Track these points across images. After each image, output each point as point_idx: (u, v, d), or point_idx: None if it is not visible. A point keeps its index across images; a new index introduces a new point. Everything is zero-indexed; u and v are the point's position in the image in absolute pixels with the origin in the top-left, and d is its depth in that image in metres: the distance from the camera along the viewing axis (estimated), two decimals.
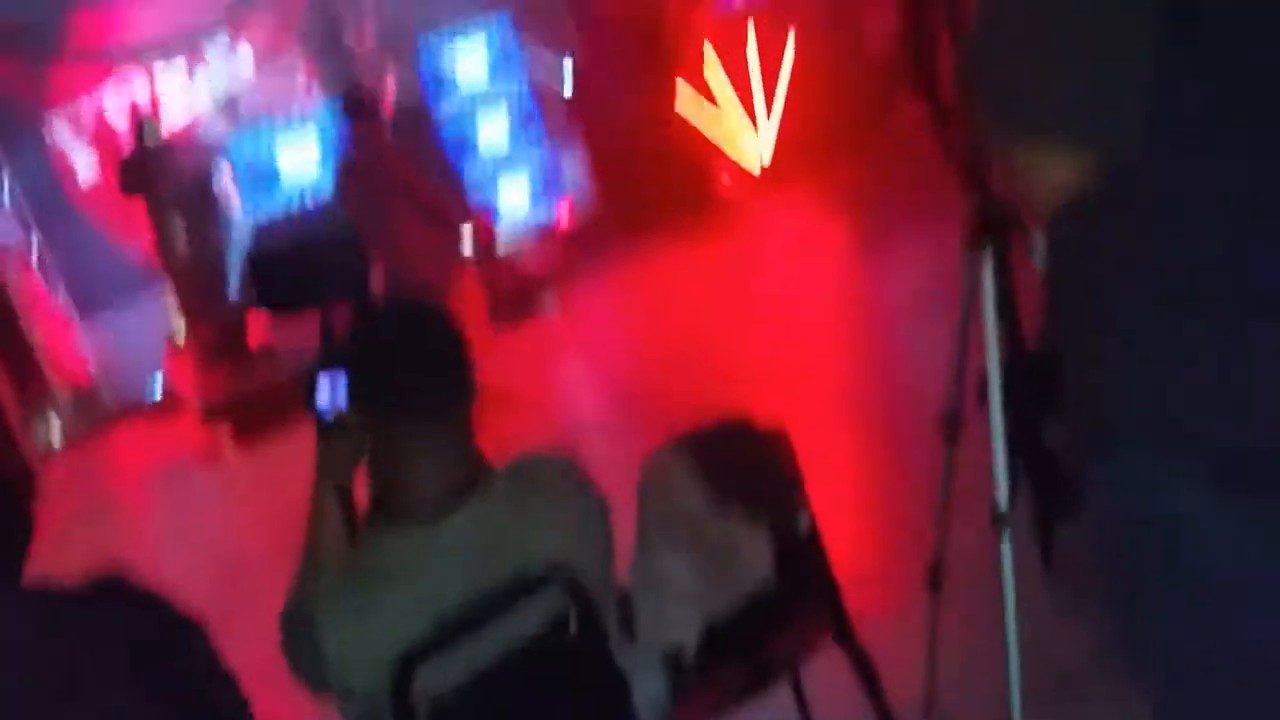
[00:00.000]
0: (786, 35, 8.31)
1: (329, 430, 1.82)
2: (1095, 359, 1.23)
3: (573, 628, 1.61)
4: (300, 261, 1.97)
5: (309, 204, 7.33)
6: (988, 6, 1.11)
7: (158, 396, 7.70)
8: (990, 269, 1.92)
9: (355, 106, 5.60)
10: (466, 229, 7.11)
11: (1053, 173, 1.09)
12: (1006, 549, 1.74)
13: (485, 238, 7.25)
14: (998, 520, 1.82)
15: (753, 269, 6.95)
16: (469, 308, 5.76)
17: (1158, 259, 1.12)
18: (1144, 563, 1.23)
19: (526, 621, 1.59)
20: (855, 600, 2.16)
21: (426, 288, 5.53)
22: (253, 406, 6.09)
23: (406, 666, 1.50)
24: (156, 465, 6.82)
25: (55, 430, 7.60)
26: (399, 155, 5.86)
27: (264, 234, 2.07)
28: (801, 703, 2.55)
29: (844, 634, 2.02)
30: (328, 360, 1.85)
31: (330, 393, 1.84)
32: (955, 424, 2.18)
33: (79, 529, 6.03)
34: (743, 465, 1.84)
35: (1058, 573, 2.76)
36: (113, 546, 5.59)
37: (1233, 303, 1.09)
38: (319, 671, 1.57)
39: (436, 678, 1.53)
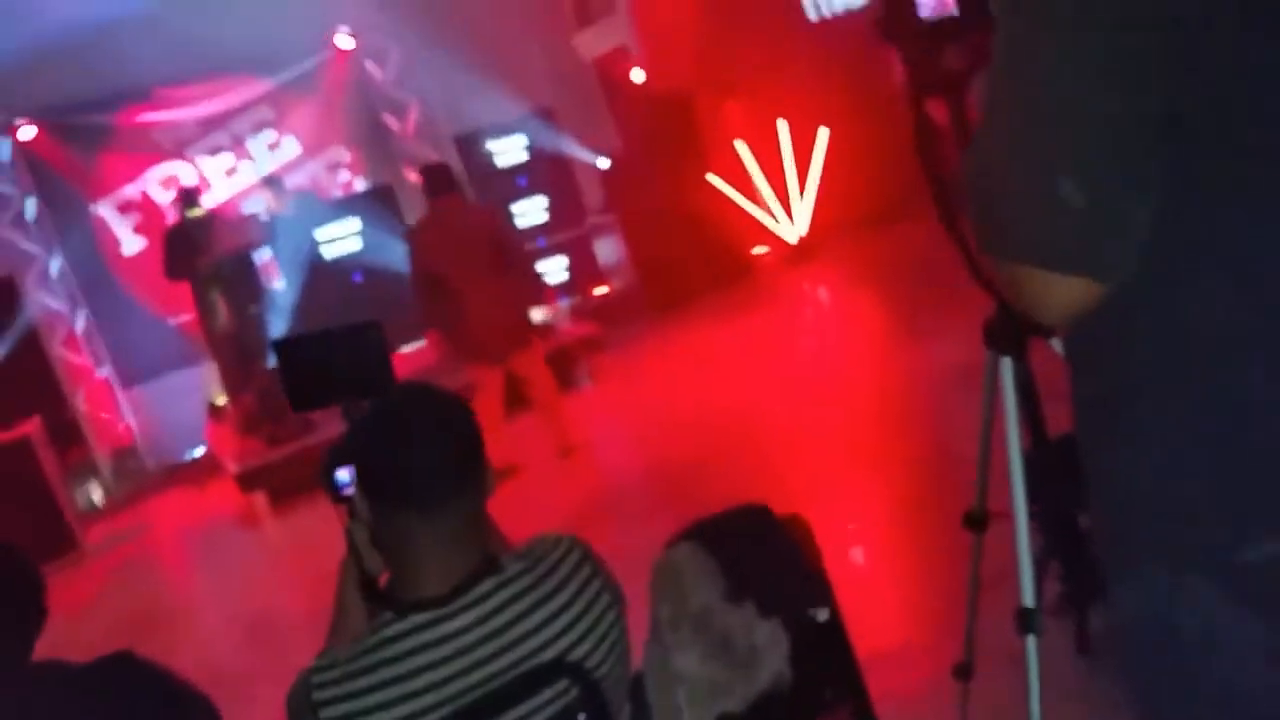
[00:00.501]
0: (817, 129, 8.53)
1: (350, 514, 1.87)
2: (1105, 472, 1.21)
3: (582, 717, 1.59)
4: (324, 363, 2.01)
5: (348, 282, 7.49)
6: (983, 128, 1.10)
7: (197, 461, 7.82)
8: (1009, 368, 1.91)
9: (442, 175, 5.71)
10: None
11: (1048, 294, 1.06)
12: (1032, 644, 1.71)
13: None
14: (1021, 616, 1.78)
15: (786, 343, 6.97)
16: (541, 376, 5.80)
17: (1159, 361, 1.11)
18: (1156, 669, 1.20)
19: (535, 713, 1.57)
20: (885, 681, 2.13)
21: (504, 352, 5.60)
22: (290, 473, 6.15)
23: None
24: (194, 528, 6.89)
25: (97, 495, 7.70)
26: (492, 222, 5.93)
27: (288, 340, 2.13)
28: None
29: None
30: (344, 450, 1.89)
31: (348, 479, 1.88)
32: (981, 516, 2.17)
33: (116, 589, 6.11)
34: (758, 556, 1.82)
35: (1094, 660, 2.71)
36: (148, 606, 5.65)
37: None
38: None
39: None
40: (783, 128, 8.65)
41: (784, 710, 1.80)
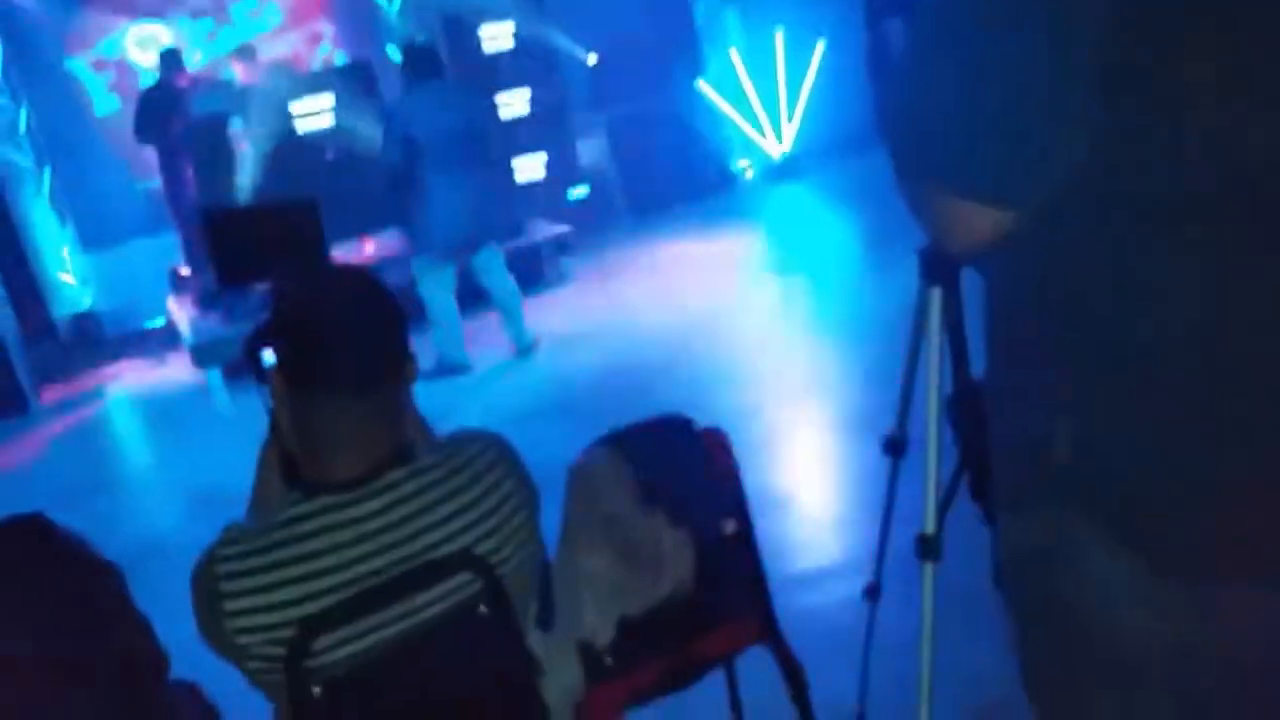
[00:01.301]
0: (816, 44, 8.37)
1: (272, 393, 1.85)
2: (1012, 403, 1.22)
3: (483, 609, 1.60)
4: (255, 237, 1.97)
5: (319, 160, 7.34)
6: (911, 53, 1.08)
7: (157, 331, 7.76)
8: (937, 299, 1.91)
9: (427, 57, 5.57)
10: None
11: (965, 222, 1.06)
12: (929, 570, 1.74)
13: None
14: (921, 542, 1.82)
15: (757, 259, 6.95)
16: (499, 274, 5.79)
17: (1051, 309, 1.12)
18: (1033, 599, 1.23)
19: (434, 602, 1.58)
20: (797, 599, 2.17)
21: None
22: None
23: (303, 638, 1.50)
24: (149, 399, 6.87)
25: (54, 358, 7.65)
26: (473, 110, 5.82)
27: (219, 209, 2.09)
28: (735, 700, 2.56)
29: (770, 635, 2.01)
30: (267, 328, 1.87)
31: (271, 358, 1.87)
32: (899, 444, 2.20)
33: (65, 454, 6.12)
34: (673, 465, 1.82)
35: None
36: (96, 472, 5.66)
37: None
38: (219, 634, 1.56)
39: (334, 651, 1.53)
40: (779, 37, 8.48)
41: (683, 617, 1.83)
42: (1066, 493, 1.15)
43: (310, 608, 1.51)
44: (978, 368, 2.04)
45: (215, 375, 6.13)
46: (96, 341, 7.88)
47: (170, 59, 7.67)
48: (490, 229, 5.71)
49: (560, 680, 1.80)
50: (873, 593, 2.35)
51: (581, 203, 8.58)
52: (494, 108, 8.26)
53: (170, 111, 7.37)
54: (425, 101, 5.45)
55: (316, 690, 1.51)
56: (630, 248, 7.74)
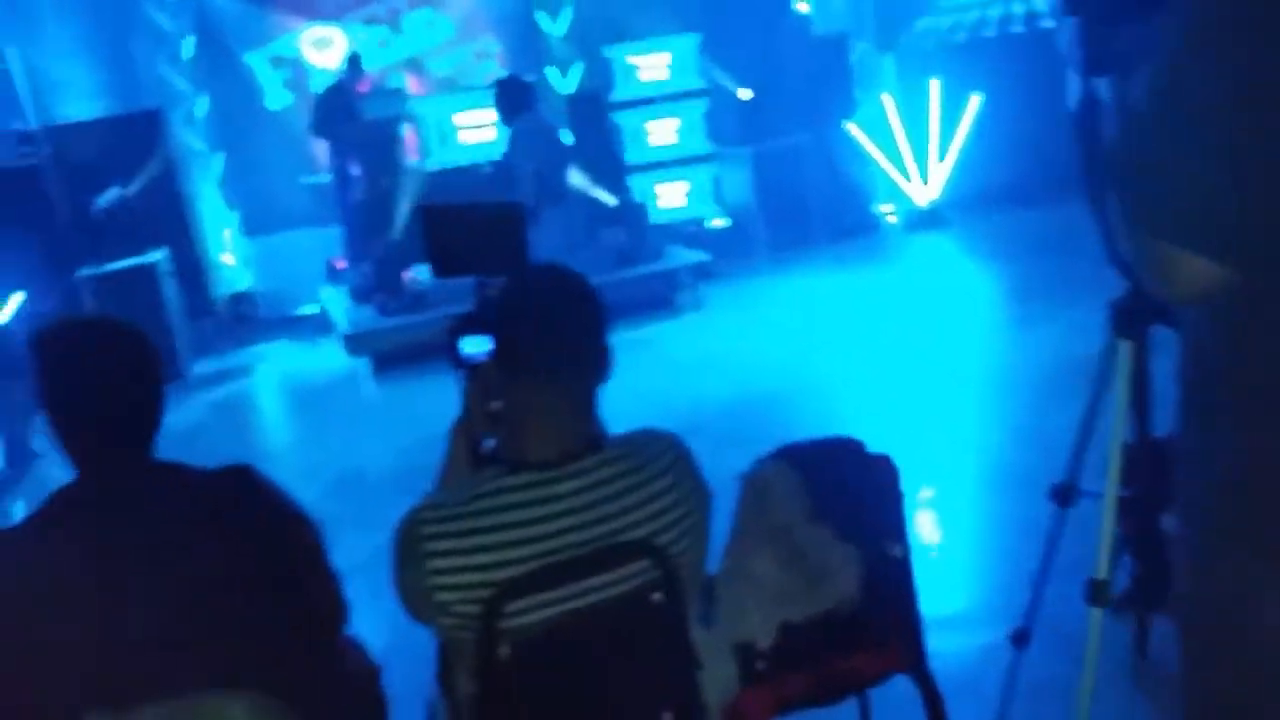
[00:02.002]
0: (970, 97, 8.35)
1: (468, 381, 2.01)
2: (1205, 459, 1.27)
3: (657, 599, 1.70)
4: (469, 235, 2.13)
5: (484, 168, 7.63)
6: (1147, 112, 1.17)
7: (309, 319, 8.13)
8: (1128, 355, 1.95)
9: (517, 93, 5.86)
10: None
11: (1177, 271, 1.14)
12: (1096, 615, 1.76)
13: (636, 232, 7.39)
14: (1093, 589, 1.83)
15: (899, 303, 6.93)
16: None
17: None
18: (1227, 669, 1.27)
19: (614, 584, 1.69)
20: (941, 639, 2.20)
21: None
22: (395, 343, 6.39)
23: (500, 599, 1.61)
24: (297, 381, 7.19)
25: (211, 332, 8.07)
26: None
27: (435, 206, 2.27)
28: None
29: (917, 666, 2.06)
30: (475, 320, 2.04)
31: (474, 348, 2.03)
32: (1069, 493, 2.22)
33: (213, 424, 6.44)
34: (845, 484, 1.89)
35: (1149, 665, 2.74)
36: (241, 443, 5.95)
37: None
38: (420, 590, 1.69)
39: (524, 616, 1.64)
40: (935, 87, 8.49)
41: (840, 633, 1.89)
42: (1258, 545, 1.20)
43: (507, 572, 1.63)
44: (1159, 423, 2.08)
45: (365, 364, 6.41)
46: (251, 321, 8.29)
47: (355, 63, 8.08)
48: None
49: (716, 677, 1.87)
50: (1021, 638, 2.37)
51: (722, 233, 8.70)
52: (645, 134, 8.46)
53: (346, 112, 7.74)
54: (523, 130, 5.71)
55: (504, 650, 1.63)
56: (768, 280, 7.81)
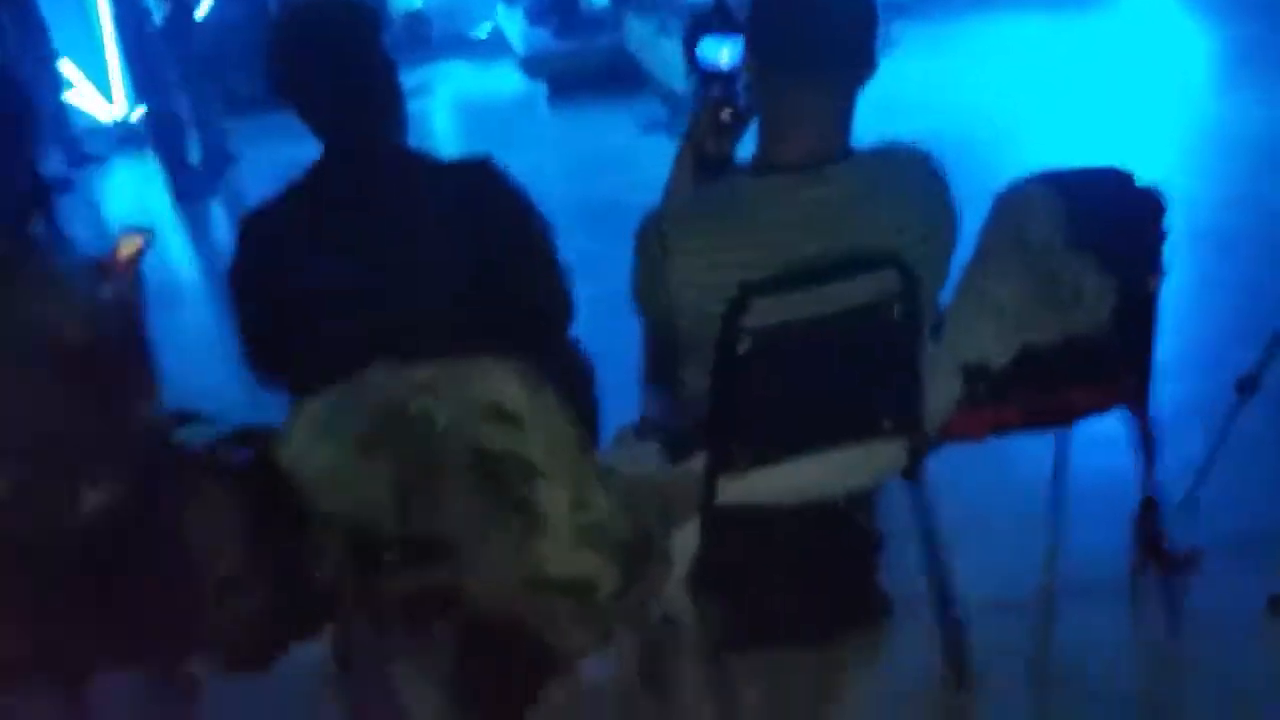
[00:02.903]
0: None
1: (701, 88, 1.96)
2: None
3: (896, 311, 1.68)
4: None
5: None
6: None
7: (483, 41, 8.03)
8: None
9: None
10: None
11: None
12: None
13: None
14: None
15: None
16: None
17: None
18: None
19: (857, 292, 1.67)
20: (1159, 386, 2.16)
21: None
22: (571, 66, 6.30)
23: (746, 297, 1.62)
24: (472, 102, 7.19)
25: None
26: None
27: None
28: (1060, 466, 2.60)
29: (1141, 401, 2.03)
30: (716, 19, 1.95)
31: (712, 52, 1.96)
32: None
33: None
34: (1110, 214, 1.81)
35: None
36: None
37: None
38: (661, 289, 1.70)
39: (765, 316, 1.65)
40: None
41: (1081, 360, 1.86)
42: None
43: (752, 273, 1.63)
44: None
45: (541, 88, 6.36)
46: (424, 40, 8.24)
47: None
48: None
49: (938, 394, 1.88)
50: (1247, 385, 2.30)
51: None
52: None
53: None
54: None
55: (744, 347, 1.65)
56: (969, 20, 7.29)
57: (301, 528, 1.66)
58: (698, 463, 1.83)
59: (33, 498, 1.50)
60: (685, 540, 1.81)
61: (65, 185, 5.64)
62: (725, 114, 1.96)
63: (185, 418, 1.93)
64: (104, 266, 2.00)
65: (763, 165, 1.68)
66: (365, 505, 1.56)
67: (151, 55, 5.67)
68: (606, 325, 2.34)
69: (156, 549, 1.64)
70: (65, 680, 1.74)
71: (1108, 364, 1.94)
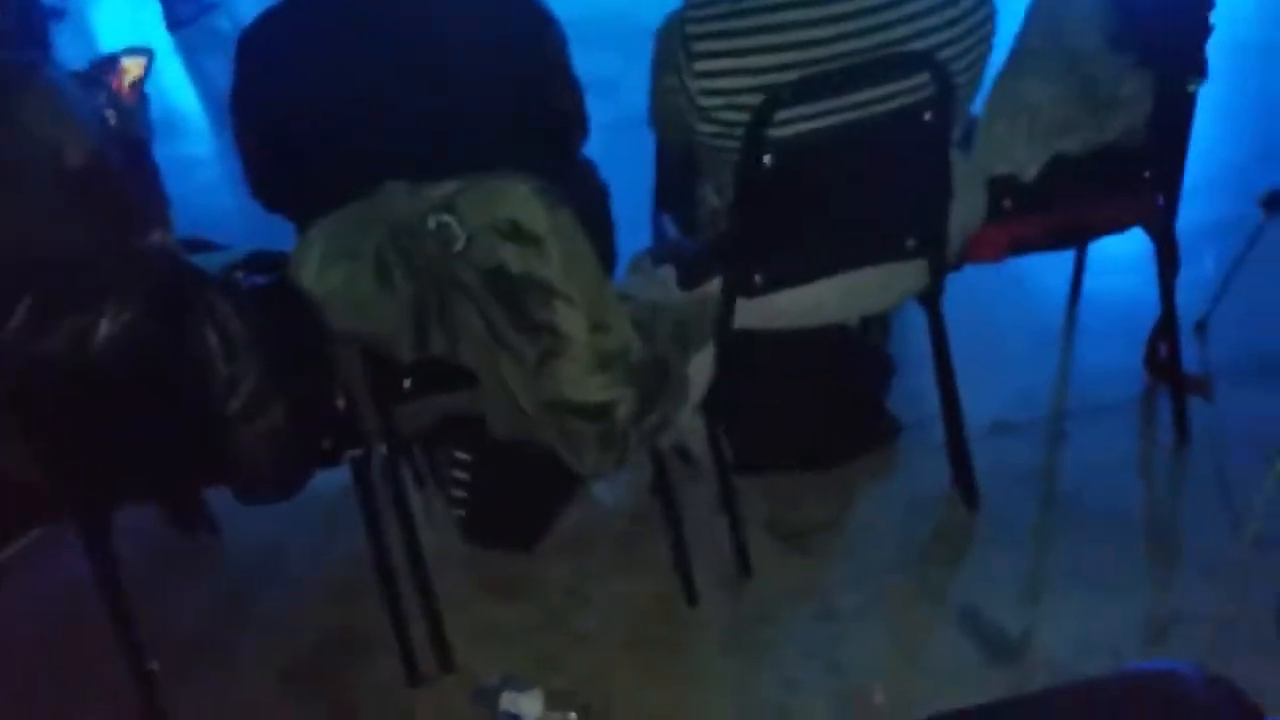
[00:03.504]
0: None
1: None
2: None
3: (928, 118, 1.63)
4: None
5: None
6: None
7: None
8: None
9: None
10: None
11: None
12: None
13: None
14: None
15: None
16: None
17: None
18: None
19: (887, 99, 1.62)
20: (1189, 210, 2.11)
21: None
22: None
23: (771, 104, 1.56)
24: None
25: None
26: None
27: None
28: (1077, 284, 2.58)
29: (1165, 216, 1.99)
30: None
31: None
32: None
33: None
34: (1153, 9, 1.72)
35: None
36: None
37: None
38: (681, 95, 1.64)
39: (791, 125, 1.60)
40: None
41: (1118, 167, 1.80)
42: None
43: (778, 78, 1.57)
44: None
45: None
46: None
47: None
48: None
49: (964, 208, 1.84)
50: (1274, 202, 2.26)
51: None
52: None
53: None
54: None
55: (767, 158, 1.61)
56: None
57: (320, 351, 1.66)
58: (714, 287, 1.81)
59: (49, 324, 1.48)
60: (701, 365, 1.81)
61: (58, 13, 5.42)
62: None
63: (196, 245, 1.91)
64: (108, 88, 1.93)
65: None
66: (383, 327, 1.54)
67: None
68: (622, 148, 2.28)
69: (175, 375, 1.63)
70: (88, 511, 1.76)
71: (1137, 175, 1.89)
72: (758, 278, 1.75)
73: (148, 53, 2.08)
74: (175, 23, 5.59)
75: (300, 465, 1.78)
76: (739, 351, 1.84)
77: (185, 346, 1.61)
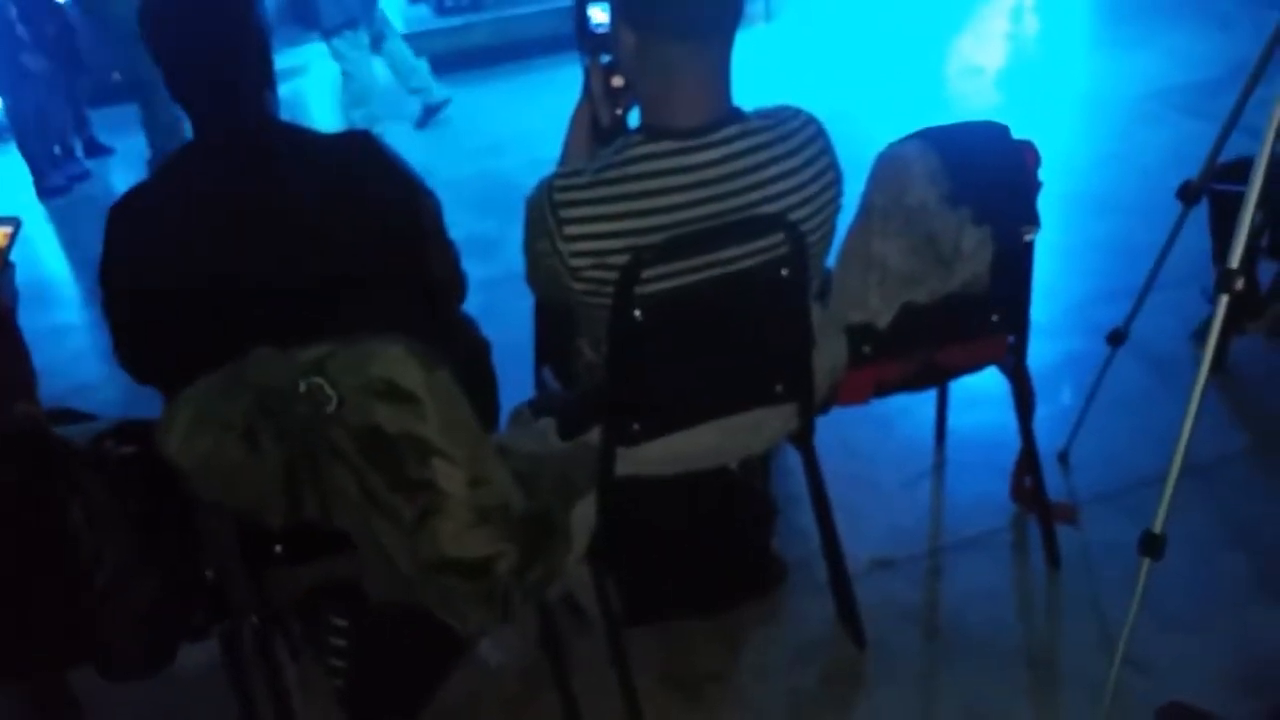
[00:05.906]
0: None
1: (594, 51, 1.96)
2: None
3: (785, 274, 1.72)
4: None
5: None
6: None
7: None
8: None
9: None
10: None
11: None
12: (1221, 309, 1.69)
13: None
14: (1223, 278, 1.71)
15: None
16: None
17: None
18: None
19: (746, 256, 1.70)
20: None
21: None
22: (454, 45, 6.20)
23: (639, 263, 1.63)
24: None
25: None
26: None
27: None
28: (941, 423, 2.70)
29: (1017, 355, 2.11)
30: None
31: (602, 19, 1.96)
32: (1191, 194, 2.20)
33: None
34: (986, 167, 1.86)
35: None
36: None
37: None
38: (553, 258, 1.70)
39: (657, 283, 1.67)
40: None
41: (961, 315, 1.92)
42: None
43: (644, 239, 1.64)
44: None
45: (424, 65, 6.25)
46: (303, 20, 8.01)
47: None
48: None
49: (826, 356, 1.93)
50: (1117, 338, 2.41)
51: None
52: None
53: None
54: None
55: (638, 313, 1.67)
56: None
57: (189, 522, 1.62)
58: (594, 437, 1.85)
59: None
60: (584, 516, 1.83)
61: None
62: (616, 80, 1.98)
63: (64, 416, 1.87)
64: None
65: (654, 130, 1.68)
66: (252, 493, 1.52)
67: (10, 43, 5.40)
68: (500, 306, 2.33)
69: (39, 549, 1.58)
70: None
71: (986, 320, 2.01)
72: (635, 426, 1.79)
73: (14, 222, 2.07)
74: (46, 191, 5.57)
75: (169, 640, 1.72)
76: (623, 500, 1.86)
77: (50, 520, 1.57)
